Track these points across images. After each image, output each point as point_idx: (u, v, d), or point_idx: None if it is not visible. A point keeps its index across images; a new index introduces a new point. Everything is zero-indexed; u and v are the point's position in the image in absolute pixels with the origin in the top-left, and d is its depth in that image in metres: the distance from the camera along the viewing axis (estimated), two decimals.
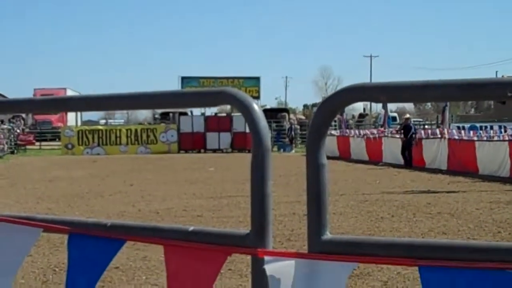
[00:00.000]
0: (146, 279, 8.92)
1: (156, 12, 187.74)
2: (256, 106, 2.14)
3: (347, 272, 1.99)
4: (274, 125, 53.84)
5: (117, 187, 21.76)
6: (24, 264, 2.43)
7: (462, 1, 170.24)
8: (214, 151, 49.41)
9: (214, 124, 50.57)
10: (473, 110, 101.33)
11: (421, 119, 79.92)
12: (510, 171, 22.30)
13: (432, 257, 1.87)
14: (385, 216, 14.27)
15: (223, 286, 8.31)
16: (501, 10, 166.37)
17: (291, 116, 64.53)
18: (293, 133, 51.57)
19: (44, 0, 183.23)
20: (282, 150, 49.38)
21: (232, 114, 51.05)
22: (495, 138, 27.27)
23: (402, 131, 31.29)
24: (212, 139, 50.02)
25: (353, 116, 69.87)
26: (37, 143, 55.84)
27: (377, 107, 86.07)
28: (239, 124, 46.46)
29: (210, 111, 54.15)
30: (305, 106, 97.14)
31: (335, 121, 45.67)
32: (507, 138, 25.49)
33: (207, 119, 51.44)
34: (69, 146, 49.74)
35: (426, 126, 57.94)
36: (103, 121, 77.38)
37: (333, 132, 40.81)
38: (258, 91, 58.52)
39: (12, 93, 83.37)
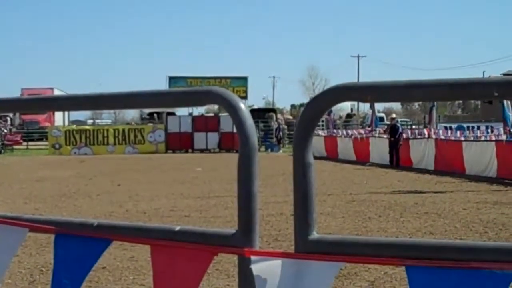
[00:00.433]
0: (133, 279, 8.91)
1: (143, 12, 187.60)
2: (243, 106, 2.14)
3: (334, 272, 1.99)
4: (261, 125, 53.85)
5: (105, 187, 21.72)
6: (10, 264, 2.41)
7: (449, 2, 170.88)
8: (202, 151, 49.39)
9: (202, 124, 50.57)
10: (460, 110, 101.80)
11: (408, 119, 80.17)
12: (497, 171, 22.38)
13: (419, 257, 1.87)
14: (373, 216, 14.29)
15: (210, 286, 8.31)
16: (489, 11, 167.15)
17: (279, 116, 64.53)
18: (280, 133, 51.57)
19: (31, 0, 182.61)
20: (269, 150, 49.41)
21: (220, 114, 51.08)
22: (482, 138, 27.38)
23: (389, 131, 31.33)
24: (199, 139, 50.00)
25: (340, 117, 69.94)
26: (24, 143, 55.76)
27: (364, 107, 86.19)
28: (227, 124, 46.42)
29: (197, 111, 54.24)
30: (293, 106, 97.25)
31: (322, 121, 45.75)
32: (493, 138, 25.59)
33: (194, 119, 51.47)
34: (57, 146, 49.64)
35: (414, 126, 58.12)
36: (90, 121, 77.25)
37: (320, 132, 40.81)
38: (246, 91, 58.56)
39: None
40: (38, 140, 58.22)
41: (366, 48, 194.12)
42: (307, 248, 2.03)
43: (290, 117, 70.36)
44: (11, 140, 52.62)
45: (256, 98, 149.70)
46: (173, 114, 54.08)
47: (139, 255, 9.99)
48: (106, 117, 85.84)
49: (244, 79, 60.77)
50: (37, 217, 2.63)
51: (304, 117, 2.07)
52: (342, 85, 2.05)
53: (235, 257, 2.16)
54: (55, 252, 2.42)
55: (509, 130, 24.84)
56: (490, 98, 1.90)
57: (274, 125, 54.39)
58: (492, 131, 31.37)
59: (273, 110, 68.73)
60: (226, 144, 48.49)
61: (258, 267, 2.00)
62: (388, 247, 1.96)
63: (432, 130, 29.88)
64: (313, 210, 2.06)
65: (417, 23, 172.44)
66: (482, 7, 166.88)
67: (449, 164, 25.43)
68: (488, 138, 26.98)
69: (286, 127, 54.67)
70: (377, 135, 34.86)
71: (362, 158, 33.47)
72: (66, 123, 64.91)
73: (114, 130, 51.53)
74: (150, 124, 54.30)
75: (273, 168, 27.23)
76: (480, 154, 23.61)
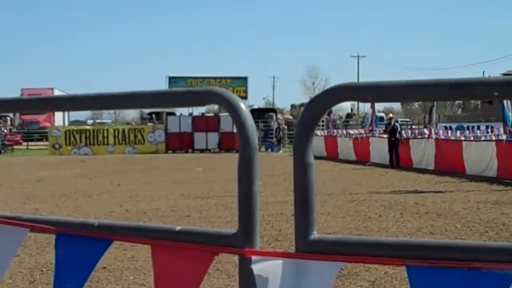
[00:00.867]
0: (133, 279, 8.91)
1: (144, 12, 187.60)
2: (243, 106, 2.14)
3: (335, 272, 1.99)
4: (261, 125, 53.86)
5: (105, 187, 21.72)
6: (11, 264, 2.42)
7: (449, 1, 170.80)
8: (202, 151, 49.39)
9: (202, 124, 50.56)
10: (460, 110, 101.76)
11: (408, 119, 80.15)
12: (497, 171, 22.38)
13: (420, 257, 1.87)
14: (373, 216, 14.29)
15: (211, 286, 8.31)
16: (489, 11, 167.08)
17: (279, 116, 64.53)
18: (281, 133, 51.53)
19: (31, 0, 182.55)
20: (269, 150, 49.39)
21: (220, 114, 51.07)
22: (482, 138, 27.37)
23: (388, 131, 31.29)
24: (199, 139, 50.00)
25: (340, 116, 69.88)
26: (25, 143, 55.78)
27: (364, 107, 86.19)
28: (227, 124, 46.41)
29: (197, 111, 54.21)
30: (293, 106, 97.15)
31: (322, 121, 45.71)
32: (494, 138, 25.58)
33: (194, 119, 51.46)
34: (57, 146, 49.66)
35: (414, 126, 58.07)
36: (90, 121, 77.17)
37: (318, 132, 40.74)
38: (246, 91, 58.58)
39: None
40: (38, 140, 58.27)
41: (366, 48, 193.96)
42: (308, 248, 2.03)
43: (290, 117, 70.34)
44: (11, 140, 52.66)
45: (256, 98, 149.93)
46: (173, 114, 54.06)
47: (139, 255, 9.99)
48: (106, 117, 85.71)
49: (244, 79, 60.81)
50: (38, 217, 2.63)
51: (304, 117, 2.07)
52: (342, 85, 2.05)
53: (236, 257, 2.16)
54: (56, 252, 2.42)
55: (509, 130, 24.80)
56: (490, 98, 1.90)
57: (274, 125, 54.38)
58: (492, 131, 31.35)
59: (273, 110, 68.75)
60: (226, 144, 48.47)
61: (259, 267, 2.00)
62: (389, 247, 1.96)
63: (432, 130, 29.85)
64: (313, 210, 2.06)
65: (417, 23, 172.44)
66: (482, 7, 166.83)
67: (449, 164, 25.43)
68: (488, 138, 26.95)
69: (286, 127, 54.66)
70: (377, 135, 34.84)
71: (362, 158, 33.47)
72: (66, 123, 64.91)
73: (114, 130, 51.55)
74: (150, 124, 54.28)
75: (273, 168, 27.23)
76: (480, 154, 23.60)
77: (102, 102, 2.61)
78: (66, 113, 61.87)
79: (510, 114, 25.42)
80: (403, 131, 31.93)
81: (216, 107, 51.68)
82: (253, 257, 2.02)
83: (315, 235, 2.05)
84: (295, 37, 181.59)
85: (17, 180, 24.38)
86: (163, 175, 27.27)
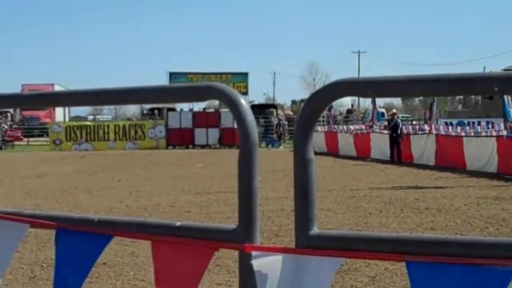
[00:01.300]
0: (134, 275, 8.91)
1: (144, 7, 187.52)
2: (243, 101, 2.14)
3: (335, 267, 1.99)
4: (262, 121, 53.87)
5: (105, 183, 21.73)
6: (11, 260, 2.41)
7: None
8: (202, 147, 49.41)
9: (202, 120, 50.55)
10: (460, 106, 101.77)
11: (409, 115, 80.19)
12: (498, 166, 22.37)
13: (420, 253, 1.87)
14: (373, 212, 14.29)
15: (211, 281, 8.31)
16: (489, 7, 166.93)
17: (279, 112, 64.61)
18: (281, 129, 51.53)
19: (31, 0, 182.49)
20: (270, 146, 49.42)
21: (220, 110, 51.05)
22: (483, 134, 27.34)
23: (390, 126, 31.26)
24: (200, 135, 50.01)
25: (341, 112, 69.89)
26: (25, 139, 55.81)
27: (365, 103, 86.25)
28: (227, 120, 46.41)
29: (198, 106, 54.20)
30: (293, 102, 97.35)
31: (323, 117, 45.71)
32: (494, 134, 25.56)
33: (195, 114, 51.43)
34: (57, 142, 49.67)
35: (414, 122, 58.07)
36: (91, 117, 77.19)
37: (319, 128, 40.69)
38: (246, 87, 58.59)
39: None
40: (38, 136, 58.28)
41: (367, 43, 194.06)
42: (308, 243, 2.03)
43: (291, 113, 70.47)
44: (11, 136, 52.68)
45: (257, 94, 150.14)
46: (173, 109, 54.04)
47: (139, 250, 10.00)
48: (106, 113, 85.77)
49: (245, 74, 60.81)
50: (38, 213, 2.63)
51: (305, 112, 2.07)
52: (342, 80, 2.05)
53: (236, 253, 2.15)
54: (56, 248, 2.42)
55: (510, 126, 24.77)
56: (491, 93, 1.90)
57: (275, 121, 54.38)
58: (492, 127, 31.26)
59: (274, 106, 68.84)
60: (226, 139, 48.49)
61: (259, 263, 2.00)
62: (389, 242, 1.96)
63: (433, 125, 29.84)
64: (313, 205, 2.06)
65: (418, 19, 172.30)
66: (482, 3, 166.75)
67: (449, 160, 25.43)
68: (488, 134, 26.88)
69: (286, 122, 54.69)
70: (377, 130, 34.82)
71: (362, 154, 33.45)
72: (67, 119, 64.88)
73: (115, 126, 51.55)
74: (151, 120, 54.28)
75: (274, 163, 27.24)
76: (480, 150, 23.60)
77: (102, 97, 2.61)
78: (66, 108, 61.81)
79: (510, 109, 25.40)
80: (403, 127, 31.84)
81: (216, 102, 51.60)
82: (253, 253, 2.02)
83: (315, 230, 2.05)
84: (296, 33, 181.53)
85: (18, 176, 24.40)
86: (164, 170, 27.28)
